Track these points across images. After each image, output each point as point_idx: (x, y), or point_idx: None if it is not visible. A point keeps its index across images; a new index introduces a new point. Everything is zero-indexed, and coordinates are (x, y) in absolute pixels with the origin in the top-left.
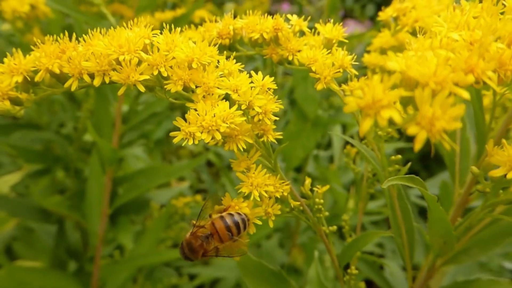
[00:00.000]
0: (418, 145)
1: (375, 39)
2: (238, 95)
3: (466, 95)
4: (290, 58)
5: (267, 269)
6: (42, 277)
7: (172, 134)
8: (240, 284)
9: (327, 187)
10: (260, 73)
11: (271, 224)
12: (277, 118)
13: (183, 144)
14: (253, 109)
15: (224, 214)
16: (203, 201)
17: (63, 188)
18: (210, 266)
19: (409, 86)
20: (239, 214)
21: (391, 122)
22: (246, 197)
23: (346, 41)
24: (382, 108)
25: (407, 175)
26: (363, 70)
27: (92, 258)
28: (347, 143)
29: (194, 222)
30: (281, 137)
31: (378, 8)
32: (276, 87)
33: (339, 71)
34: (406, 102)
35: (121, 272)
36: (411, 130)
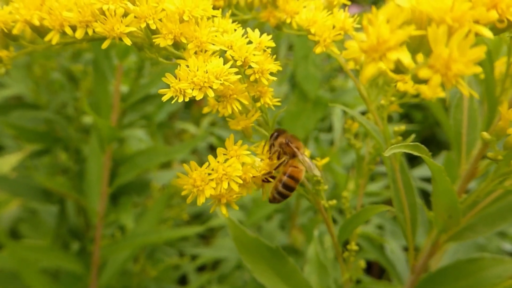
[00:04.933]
0: (431, 92)
1: (380, 9)
2: (233, 51)
3: (488, 34)
4: (288, 21)
5: (264, 245)
6: (44, 255)
7: (160, 91)
8: (241, 266)
9: (326, 159)
10: (257, 30)
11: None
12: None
13: (172, 102)
14: (249, 66)
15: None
16: None
17: (64, 169)
18: (212, 247)
19: (420, 26)
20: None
21: (397, 68)
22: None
23: (349, 3)
24: (389, 50)
25: (411, 143)
26: None
27: (93, 238)
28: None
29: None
30: (279, 103)
31: None
32: (274, 45)
33: (340, 34)
34: (416, 47)
35: (121, 251)
36: (423, 73)
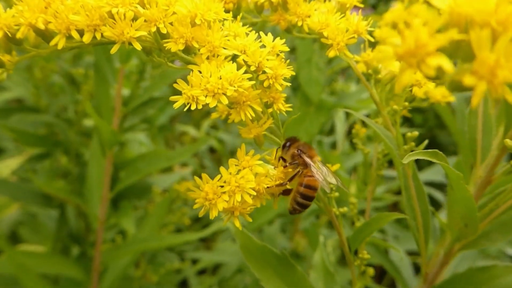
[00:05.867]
0: (476, 99)
1: (386, 13)
2: (247, 56)
3: None
4: (299, 24)
5: (271, 252)
6: (43, 262)
7: (172, 98)
8: (242, 269)
9: (337, 165)
10: (269, 34)
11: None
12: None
13: (184, 109)
14: (263, 72)
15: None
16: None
17: (65, 172)
18: (213, 251)
19: (458, 29)
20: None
21: (439, 74)
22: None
23: (362, 5)
24: (428, 55)
25: (429, 150)
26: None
27: (94, 242)
28: (350, 128)
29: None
30: (291, 109)
31: None
32: (288, 49)
33: (354, 37)
34: (452, 52)
35: (122, 256)
36: (468, 80)
